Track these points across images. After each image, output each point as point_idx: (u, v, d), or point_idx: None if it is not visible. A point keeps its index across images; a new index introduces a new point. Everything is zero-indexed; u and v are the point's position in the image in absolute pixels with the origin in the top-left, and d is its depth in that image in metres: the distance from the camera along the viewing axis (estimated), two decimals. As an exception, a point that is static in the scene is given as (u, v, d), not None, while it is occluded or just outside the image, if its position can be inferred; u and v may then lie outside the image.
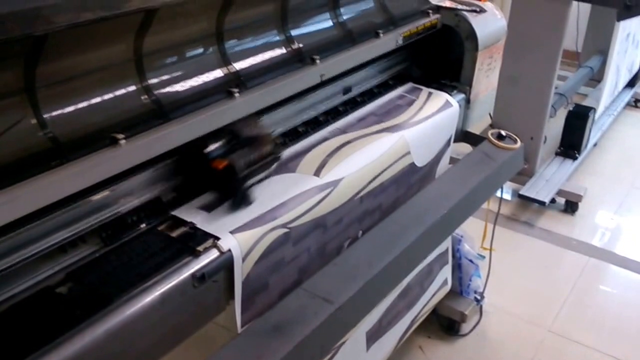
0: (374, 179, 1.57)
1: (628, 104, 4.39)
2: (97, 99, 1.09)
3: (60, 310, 0.98)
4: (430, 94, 1.92)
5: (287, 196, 1.34)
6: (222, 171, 1.23)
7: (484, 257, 2.34)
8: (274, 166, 1.35)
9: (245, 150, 1.27)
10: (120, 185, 1.14)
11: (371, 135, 1.63)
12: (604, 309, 2.58)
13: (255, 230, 1.23)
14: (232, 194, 1.26)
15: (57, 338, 0.93)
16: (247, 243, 1.21)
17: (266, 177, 1.34)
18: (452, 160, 1.96)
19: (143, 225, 1.18)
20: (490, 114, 2.60)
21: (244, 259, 1.20)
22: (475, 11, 2.00)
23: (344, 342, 1.74)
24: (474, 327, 2.38)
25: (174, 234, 1.18)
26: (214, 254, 1.15)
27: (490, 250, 2.30)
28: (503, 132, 2.02)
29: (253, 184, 1.30)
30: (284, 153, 1.47)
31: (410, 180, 1.74)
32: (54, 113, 1.02)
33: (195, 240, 1.16)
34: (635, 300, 2.65)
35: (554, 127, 3.42)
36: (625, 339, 2.41)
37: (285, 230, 1.31)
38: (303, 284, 1.31)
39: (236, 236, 1.19)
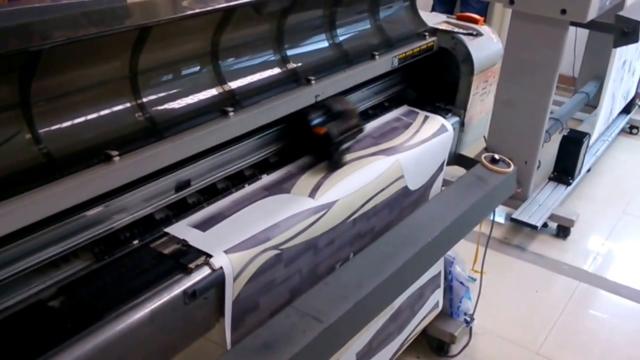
0: (367, 201, 1.58)
1: (623, 131, 4.43)
2: (92, 116, 1.11)
3: (52, 324, 0.99)
4: (426, 117, 1.93)
5: (281, 217, 1.35)
6: (322, 137, 1.50)
7: (474, 279, 2.35)
8: (358, 136, 1.62)
9: (338, 121, 1.55)
10: (114, 201, 1.15)
11: (367, 158, 1.64)
12: (592, 333, 2.60)
13: (248, 251, 1.24)
14: (328, 157, 1.54)
15: (49, 351, 0.94)
16: (239, 263, 1.22)
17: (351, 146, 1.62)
18: (446, 183, 1.98)
19: (136, 242, 1.19)
20: (484, 137, 2.63)
21: (235, 279, 1.21)
22: (472, 34, 2.03)
23: (334, 363, 1.75)
24: (463, 348, 2.39)
25: (166, 250, 1.19)
26: (205, 271, 1.16)
27: (482, 273, 2.32)
28: (496, 156, 2.04)
29: (344, 150, 1.59)
30: (276, 174, 1.51)
31: (403, 204, 1.75)
32: (48, 128, 1.04)
33: (188, 257, 1.17)
34: (624, 326, 2.67)
35: (548, 151, 3.45)
36: (612, 363, 2.43)
37: (277, 251, 1.31)
38: (293, 302, 1.33)
39: (229, 256, 1.20)
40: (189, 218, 1.29)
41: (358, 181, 1.56)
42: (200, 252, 1.19)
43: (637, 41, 2.94)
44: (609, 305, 2.82)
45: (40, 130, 1.03)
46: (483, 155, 2.01)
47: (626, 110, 4.41)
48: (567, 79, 4.94)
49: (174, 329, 1.14)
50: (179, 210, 1.30)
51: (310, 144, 1.54)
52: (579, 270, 2.98)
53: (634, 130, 4.53)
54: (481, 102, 2.16)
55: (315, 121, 1.53)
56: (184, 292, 1.12)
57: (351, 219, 1.54)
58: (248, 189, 1.44)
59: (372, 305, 1.45)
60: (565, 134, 3.51)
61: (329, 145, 1.52)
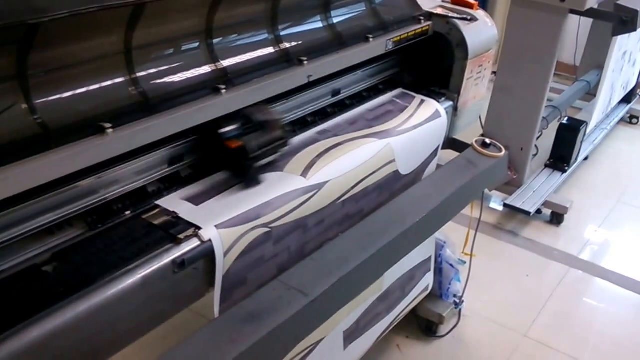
0: (357, 184, 1.60)
1: (622, 120, 4.45)
2: (86, 89, 1.15)
3: (45, 287, 1.04)
4: (422, 101, 1.95)
5: (272, 196, 1.37)
6: (235, 151, 1.34)
7: (464, 262, 2.41)
8: (283, 150, 1.46)
9: (257, 133, 1.39)
10: (107, 173, 1.20)
11: (360, 140, 1.66)
12: (581, 318, 2.66)
13: (238, 228, 1.27)
14: (244, 174, 1.38)
15: (41, 312, 0.99)
16: (229, 239, 1.25)
17: (274, 160, 1.46)
18: (438, 167, 2.02)
19: (128, 213, 1.24)
20: (481, 123, 2.67)
21: (225, 254, 1.25)
22: (466, 19, 2.06)
23: (321, 340, 1.79)
24: (452, 329, 2.44)
25: (157, 222, 1.24)
26: (194, 242, 1.21)
27: (471, 256, 2.37)
28: (488, 140, 2.07)
29: (263, 165, 1.42)
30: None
31: (393, 188, 1.78)
32: (44, 100, 1.08)
33: (177, 228, 1.22)
34: (612, 312, 2.73)
35: (547, 139, 3.49)
36: (598, 347, 2.49)
37: (267, 229, 1.35)
38: (280, 276, 1.38)
39: (219, 231, 1.24)
40: (181, 191, 1.33)
41: (349, 163, 1.58)
42: (189, 224, 1.23)
43: (635, 30, 2.97)
44: (598, 291, 2.87)
45: (36, 102, 1.07)
46: (475, 139, 2.04)
47: (626, 99, 4.43)
48: (568, 67, 4.97)
49: (163, 297, 1.19)
50: (171, 183, 1.34)
51: (224, 158, 1.38)
52: (571, 256, 3.03)
53: (634, 120, 4.55)
54: (475, 86, 2.19)
55: (230, 133, 1.36)
56: (173, 261, 1.17)
57: (340, 200, 1.56)
58: None
59: (357, 281, 1.49)
60: (564, 121, 3.54)
61: (245, 160, 1.36)
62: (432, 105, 1.94)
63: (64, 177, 1.09)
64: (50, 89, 1.10)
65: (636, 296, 2.81)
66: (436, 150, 1.95)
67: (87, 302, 1.05)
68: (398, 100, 1.95)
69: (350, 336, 1.95)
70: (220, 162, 1.40)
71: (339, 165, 1.55)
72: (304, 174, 1.47)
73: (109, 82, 1.19)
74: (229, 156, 1.36)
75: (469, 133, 2.18)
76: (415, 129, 1.81)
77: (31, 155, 1.02)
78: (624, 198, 3.57)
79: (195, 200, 1.31)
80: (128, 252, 1.15)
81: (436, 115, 1.92)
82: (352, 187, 1.59)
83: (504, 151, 2.07)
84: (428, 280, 2.32)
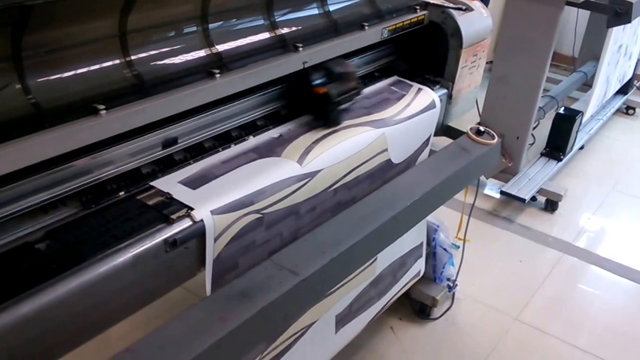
0: (350, 172, 1.59)
1: (619, 111, 4.42)
2: (80, 70, 1.14)
3: (38, 264, 1.04)
4: (419, 89, 1.93)
5: (267, 182, 1.36)
6: (321, 96, 1.56)
7: (458, 246, 2.40)
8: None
9: (337, 83, 1.60)
10: (102, 154, 1.19)
11: (357, 127, 1.64)
12: (572, 302, 2.64)
13: (231, 214, 1.26)
14: (326, 116, 1.59)
15: (34, 287, 0.99)
16: (221, 225, 1.24)
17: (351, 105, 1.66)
18: (432, 153, 2.00)
19: (122, 193, 1.23)
20: (479, 111, 2.64)
21: (216, 239, 1.24)
22: (461, 9, 2.04)
23: (313, 323, 1.79)
24: (445, 312, 2.44)
25: (151, 202, 1.23)
26: (186, 222, 1.20)
27: (464, 240, 2.36)
28: (482, 128, 2.06)
29: (342, 109, 1.62)
30: (268, 135, 1.53)
31: (385, 176, 1.76)
32: (38, 80, 1.07)
33: (170, 209, 1.21)
34: (604, 297, 2.71)
35: (544, 128, 3.47)
36: (591, 332, 2.47)
37: (259, 215, 1.33)
38: (272, 256, 1.37)
39: (213, 217, 1.22)
40: (176, 174, 1.32)
41: (343, 152, 1.56)
42: (182, 205, 1.22)
43: (630, 21, 2.93)
44: (590, 277, 2.86)
45: (31, 82, 1.05)
46: (469, 127, 2.03)
47: (623, 91, 4.39)
48: (567, 58, 4.93)
49: (156, 275, 1.18)
50: (165, 165, 1.33)
51: (310, 103, 1.59)
52: (564, 242, 3.01)
53: (630, 111, 4.51)
54: (470, 75, 2.17)
55: (316, 81, 1.58)
56: (165, 240, 1.16)
57: (333, 188, 1.55)
58: (239, 149, 1.44)
59: (348, 262, 1.49)
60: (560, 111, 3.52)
61: (328, 105, 1.57)
62: (428, 95, 1.92)
63: (58, 156, 1.08)
64: (44, 70, 1.09)
65: (628, 282, 2.79)
66: (428, 140, 1.93)
67: (79, 278, 1.04)
68: (395, 89, 1.94)
69: (342, 320, 1.95)
70: (305, 107, 1.61)
71: (334, 153, 1.54)
72: (300, 160, 1.45)
73: (103, 64, 1.18)
74: (315, 101, 1.57)
75: (467, 121, 2.16)
76: (410, 120, 1.79)
77: (25, 135, 1.01)
78: (618, 186, 3.55)
79: (191, 184, 1.30)
80: (121, 230, 1.14)
81: (432, 105, 1.90)
82: (345, 175, 1.58)
83: (496, 139, 2.06)
84: (419, 266, 2.31)
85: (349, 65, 1.69)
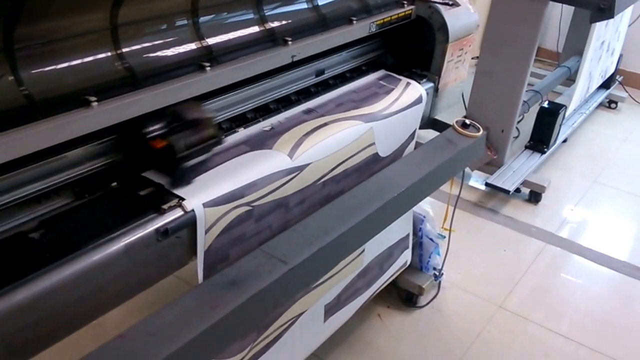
0: (338, 165, 1.59)
1: (602, 105, 4.46)
2: (72, 63, 1.13)
3: (32, 252, 1.04)
4: (408, 84, 1.93)
5: (258, 175, 1.36)
6: (161, 150, 1.24)
7: (444, 236, 2.41)
8: (215, 148, 1.34)
9: (186, 132, 1.27)
10: (94, 144, 1.19)
11: (346, 121, 1.64)
12: (555, 291, 2.67)
13: (221, 207, 1.26)
14: (172, 173, 1.26)
15: (28, 276, 0.99)
16: (212, 217, 1.25)
17: (207, 159, 1.34)
18: (418, 146, 2.01)
19: (114, 184, 1.23)
20: (465, 105, 2.66)
21: (207, 231, 1.25)
22: (448, 4, 2.05)
23: (302, 313, 1.80)
24: (431, 300, 2.46)
25: (143, 193, 1.24)
26: (178, 212, 1.21)
27: (450, 230, 2.38)
28: (467, 121, 2.07)
29: (193, 165, 1.30)
30: (259, 126, 1.52)
31: (372, 169, 1.76)
32: (30, 72, 1.06)
33: (162, 199, 1.21)
34: (586, 286, 2.74)
35: (528, 122, 3.49)
36: (572, 319, 2.50)
37: (249, 208, 1.34)
38: (262, 245, 1.38)
39: (204, 209, 1.23)
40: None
41: (332, 145, 1.56)
42: (173, 195, 1.23)
43: (612, 17, 2.94)
44: (573, 266, 2.89)
45: (23, 74, 1.05)
46: (455, 120, 2.04)
47: (606, 85, 4.42)
48: (551, 53, 4.96)
49: (147, 263, 1.19)
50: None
51: (151, 157, 1.26)
52: (547, 233, 3.04)
53: (613, 105, 4.54)
54: (456, 69, 2.18)
55: (155, 132, 1.24)
56: (157, 230, 1.17)
57: (321, 181, 1.56)
58: (231, 141, 1.44)
59: (336, 252, 1.49)
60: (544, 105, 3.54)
61: (172, 160, 1.24)
62: (416, 89, 1.92)
63: (51, 147, 1.08)
64: (37, 62, 1.09)
65: (609, 271, 2.82)
66: (414, 133, 1.94)
67: (72, 267, 1.04)
68: (384, 83, 1.94)
69: (331, 309, 1.96)
70: (147, 162, 1.27)
71: (323, 146, 1.53)
72: (291, 153, 1.45)
73: (95, 57, 1.18)
74: (156, 156, 1.24)
75: (453, 114, 2.17)
76: (398, 114, 1.80)
77: (17, 126, 1.01)
78: (600, 179, 3.58)
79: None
80: (113, 220, 1.14)
81: (419, 100, 1.90)
82: (333, 169, 1.58)
83: (482, 131, 2.08)
84: (406, 257, 2.32)
85: (204, 110, 1.34)
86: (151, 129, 1.24)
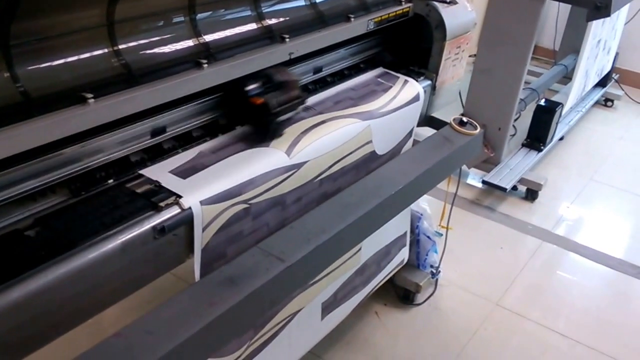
0: (335, 163, 1.58)
1: (598, 103, 4.45)
2: (69, 59, 1.12)
3: (27, 250, 1.03)
4: (406, 81, 1.92)
5: (255, 173, 1.35)
6: (258, 107, 1.41)
7: (441, 234, 2.41)
8: (300, 107, 1.51)
9: (277, 92, 1.46)
10: (91, 142, 1.18)
11: (344, 119, 1.63)
12: (551, 288, 2.67)
13: (219, 204, 1.25)
14: (265, 128, 1.45)
15: (23, 273, 0.98)
16: (209, 215, 1.24)
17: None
18: (416, 143, 2.01)
19: (111, 181, 1.22)
20: (462, 103, 2.65)
21: (204, 229, 1.24)
22: (445, 2, 2.04)
23: (299, 310, 1.80)
24: (428, 298, 2.46)
25: (140, 190, 1.23)
26: (175, 210, 1.20)
27: (447, 228, 2.37)
28: (465, 119, 2.07)
29: (282, 121, 1.49)
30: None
31: (369, 167, 1.75)
32: (26, 69, 1.05)
33: (159, 196, 1.20)
34: (582, 283, 2.74)
35: (525, 120, 3.49)
36: (569, 317, 2.50)
37: (246, 205, 1.33)
38: (259, 243, 1.37)
39: (201, 207, 1.22)
40: (165, 162, 1.31)
41: (330, 143, 1.55)
42: (170, 193, 1.22)
43: (609, 15, 2.95)
44: (569, 263, 2.89)
45: (19, 70, 1.04)
46: (452, 117, 2.04)
47: (602, 83, 4.41)
48: (548, 51, 4.95)
49: (145, 261, 1.18)
50: (154, 154, 1.32)
51: (248, 113, 1.44)
52: (544, 230, 3.03)
53: (609, 103, 4.54)
54: (453, 67, 2.17)
55: (254, 91, 1.42)
56: (154, 227, 1.16)
57: (318, 179, 1.55)
58: (229, 138, 1.44)
59: (333, 249, 1.49)
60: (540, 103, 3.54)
61: (266, 116, 1.43)
62: (414, 87, 1.91)
63: (47, 144, 1.07)
64: (33, 59, 1.07)
65: (605, 269, 2.82)
66: (411, 131, 1.93)
67: (69, 264, 1.03)
68: (382, 80, 1.93)
69: (328, 307, 1.96)
70: (243, 118, 1.47)
71: (320, 144, 1.52)
72: (289, 151, 1.44)
73: (91, 53, 1.16)
74: (253, 111, 1.43)
75: (450, 112, 2.17)
76: (395, 112, 1.79)
77: (13, 123, 1.00)
78: (596, 176, 3.58)
79: (181, 173, 1.29)
80: (110, 218, 1.13)
81: (417, 97, 1.89)
82: (331, 166, 1.57)
83: (479, 129, 2.07)
84: (403, 255, 2.32)
85: (291, 73, 1.54)
86: (250, 87, 1.42)
